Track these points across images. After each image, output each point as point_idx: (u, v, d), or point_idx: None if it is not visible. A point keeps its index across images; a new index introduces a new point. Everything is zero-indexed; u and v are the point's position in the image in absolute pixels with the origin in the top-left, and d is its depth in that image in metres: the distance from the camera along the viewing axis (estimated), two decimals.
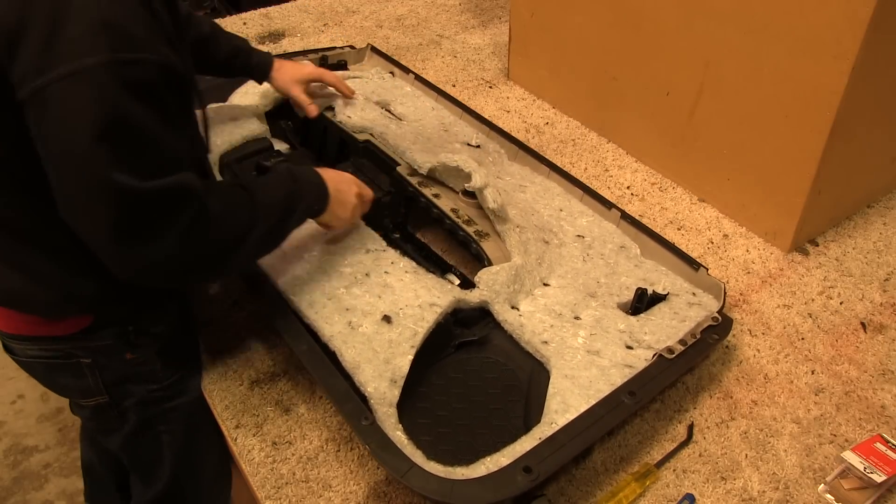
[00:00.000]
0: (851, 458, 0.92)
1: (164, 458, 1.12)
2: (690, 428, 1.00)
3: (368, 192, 1.09)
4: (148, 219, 0.75)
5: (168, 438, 1.09)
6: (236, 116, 1.39)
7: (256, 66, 1.31)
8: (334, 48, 1.74)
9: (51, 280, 0.88)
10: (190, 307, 1.13)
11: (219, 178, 1.28)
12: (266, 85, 1.44)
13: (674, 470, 0.95)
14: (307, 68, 1.38)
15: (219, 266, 0.87)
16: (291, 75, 1.34)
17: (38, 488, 1.93)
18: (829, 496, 0.92)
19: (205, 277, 0.96)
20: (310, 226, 1.12)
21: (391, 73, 1.70)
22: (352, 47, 1.77)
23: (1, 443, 2.05)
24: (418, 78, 1.65)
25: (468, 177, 1.18)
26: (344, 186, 1.03)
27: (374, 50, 1.76)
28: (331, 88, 1.45)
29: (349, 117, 1.42)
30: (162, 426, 1.08)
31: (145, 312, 0.99)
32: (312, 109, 1.38)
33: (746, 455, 0.97)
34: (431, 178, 1.27)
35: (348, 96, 1.45)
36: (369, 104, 1.49)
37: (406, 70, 1.67)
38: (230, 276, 1.17)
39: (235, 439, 0.99)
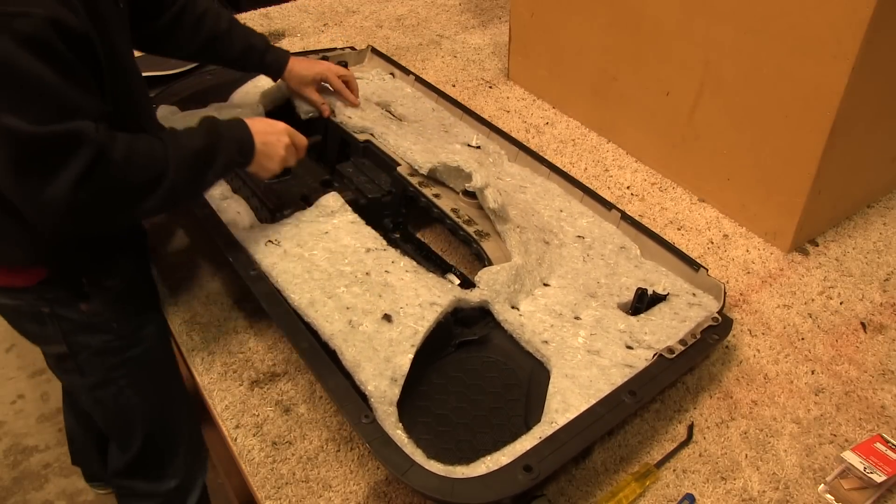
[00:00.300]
0: (851, 458, 0.92)
1: (135, 417, 1.18)
2: (690, 428, 1.00)
3: (301, 140, 1.12)
4: (42, 160, 0.80)
5: (130, 392, 1.16)
6: (237, 115, 1.39)
7: (270, 65, 1.34)
8: (335, 49, 1.74)
9: (8, 232, 0.96)
10: (147, 260, 1.21)
11: None
12: (266, 85, 1.47)
13: (674, 470, 0.95)
14: (318, 67, 1.39)
15: (127, 211, 0.92)
16: (302, 77, 1.37)
17: (38, 488, 1.93)
18: (829, 496, 0.92)
19: (114, 221, 0.96)
20: (310, 225, 1.13)
21: (391, 74, 1.70)
22: (352, 48, 1.77)
23: (1, 443, 2.05)
24: (418, 79, 1.65)
25: (469, 177, 1.18)
26: (272, 138, 1.05)
27: (375, 51, 1.77)
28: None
29: (349, 117, 1.42)
30: (123, 380, 1.14)
31: (97, 265, 1.06)
32: (325, 109, 1.41)
33: (746, 455, 0.97)
34: (432, 178, 1.27)
35: (353, 104, 1.44)
36: (370, 105, 1.49)
37: (406, 71, 1.68)
38: (146, 218, 1.21)
39: (235, 439, 0.99)
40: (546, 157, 1.42)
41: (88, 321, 1.08)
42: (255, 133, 1.03)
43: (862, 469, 0.90)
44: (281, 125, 1.09)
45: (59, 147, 0.81)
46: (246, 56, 1.30)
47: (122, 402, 1.16)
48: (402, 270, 1.04)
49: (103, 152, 0.83)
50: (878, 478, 0.89)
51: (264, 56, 1.32)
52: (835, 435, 1.00)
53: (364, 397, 0.87)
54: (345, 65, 1.70)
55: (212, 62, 1.37)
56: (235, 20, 1.30)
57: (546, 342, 1.00)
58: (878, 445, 0.94)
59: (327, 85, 1.43)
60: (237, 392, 1.06)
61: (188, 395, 1.19)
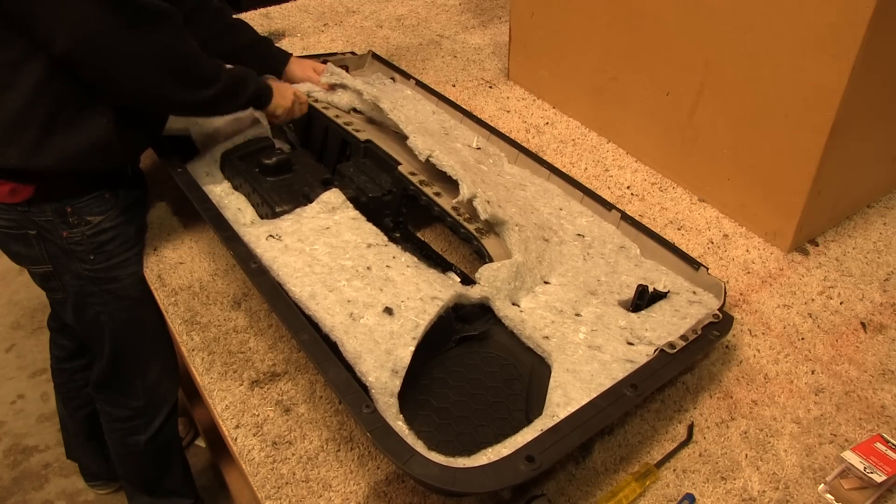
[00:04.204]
0: (851, 458, 0.91)
1: (105, 337, 1.33)
2: (690, 428, 1.00)
3: (303, 96, 1.41)
4: (142, 21, 1.00)
5: (105, 318, 1.30)
6: (238, 115, 1.40)
7: (277, 56, 1.52)
8: (335, 54, 1.75)
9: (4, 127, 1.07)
10: (140, 213, 1.33)
11: (220, 171, 1.34)
12: None
13: (674, 470, 0.95)
14: (315, 63, 1.56)
15: (188, 92, 1.11)
16: (307, 67, 1.54)
17: (38, 488, 1.93)
18: (829, 496, 0.92)
19: (180, 97, 1.12)
20: (311, 221, 1.13)
21: (392, 78, 1.71)
22: (353, 53, 1.77)
23: (1, 443, 2.05)
24: (419, 83, 1.65)
25: (457, 183, 1.19)
26: (282, 85, 1.36)
27: (375, 56, 1.77)
28: (336, 73, 1.54)
29: (367, 83, 1.46)
30: (98, 306, 1.29)
31: (83, 195, 1.17)
32: (324, 84, 1.52)
33: (746, 455, 0.97)
34: (430, 168, 1.27)
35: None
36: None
37: (407, 76, 1.68)
38: (194, 111, 1.30)
39: (235, 439, 0.99)
40: (546, 157, 1.43)
41: (69, 247, 1.20)
42: (270, 82, 1.31)
43: (862, 469, 0.90)
44: (287, 83, 1.41)
45: (154, 15, 1.01)
46: (256, 46, 1.47)
47: (98, 322, 1.31)
48: (403, 265, 1.05)
49: (188, 37, 1.08)
50: (878, 478, 0.89)
51: (271, 48, 1.51)
52: (835, 435, 1.00)
53: (365, 389, 0.87)
54: (345, 69, 1.71)
55: (220, 52, 1.45)
56: (244, 21, 1.48)
57: (547, 338, 1.00)
58: (878, 445, 0.94)
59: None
60: (237, 392, 1.05)
61: (164, 335, 1.37)
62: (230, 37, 1.44)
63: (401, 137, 1.36)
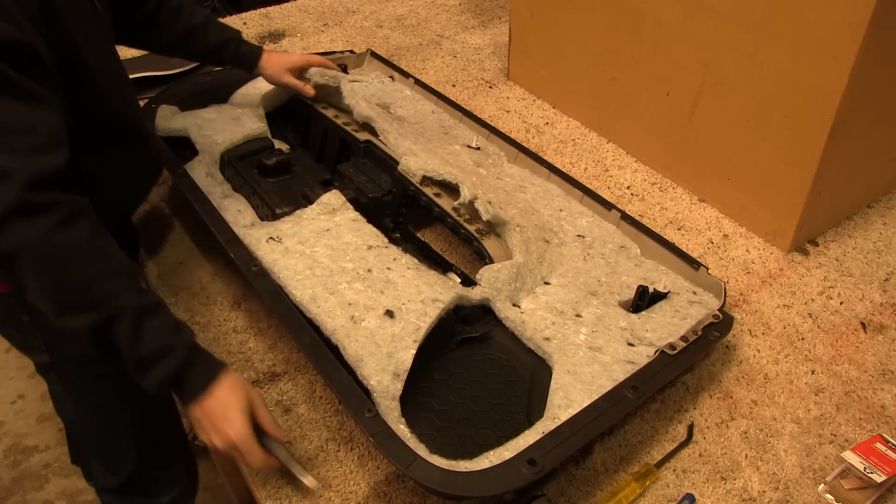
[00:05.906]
0: (851, 458, 0.92)
1: (123, 429, 1.14)
2: (690, 428, 1.00)
3: (266, 420, 0.88)
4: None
5: (116, 403, 1.11)
6: (237, 116, 1.40)
7: (245, 56, 1.35)
8: (334, 52, 1.75)
9: None
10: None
11: (220, 172, 1.32)
12: (266, 86, 1.47)
13: (674, 470, 0.95)
14: (294, 56, 1.42)
15: (62, 314, 0.80)
16: (280, 65, 1.39)
17: (38, 488, 1.93)
18: (829, 496, 0.92)
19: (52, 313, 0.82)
20: (311, 223, 1.13)
21: (391, 77, 1.71)
22: (352, 52, 1.77)
23: (1, 443, 2.05)
24: (418, 82, 1.65)
25: (457, 187, 1.19)
26: (220, 409, 0.83)
27: (374, 55, 1.77)
28: (327, 75, 1.46)
29: (358, 102, 1.41)
30: (108, 391, 1.10)
31: None
32: (309, 90, 1.43)
33: (746, 455, 0.97)
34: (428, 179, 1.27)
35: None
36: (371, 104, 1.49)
37: (406, 74, 1.68)
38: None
39: None
40: (546, 158, 1.42)
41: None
42: (215, 388, 0.84)
43: (862, 469, 0.90)
44: (245, 401, 0.85)
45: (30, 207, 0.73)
46: (222, 48, 1.32)
47: (108, 413, 1.13)
48: (403, 267, 1.05)
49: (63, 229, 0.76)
50: (878, 478, 0.89)
51: (238, 48, 1.34)
52: (835, 435, 1.00)
53: (367, 392, 0.87)
54: (344, 68, 1.71)
55: (188, 55, 1.37)
56: (211, 16, 1.32)
57: (548, 339, 1.00)
58: (878, 445, 0.94)
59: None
60: None
61: (175, 403, 1.13)
62: (192, 40, 1.29)
63: (401, 136, 1.36)
